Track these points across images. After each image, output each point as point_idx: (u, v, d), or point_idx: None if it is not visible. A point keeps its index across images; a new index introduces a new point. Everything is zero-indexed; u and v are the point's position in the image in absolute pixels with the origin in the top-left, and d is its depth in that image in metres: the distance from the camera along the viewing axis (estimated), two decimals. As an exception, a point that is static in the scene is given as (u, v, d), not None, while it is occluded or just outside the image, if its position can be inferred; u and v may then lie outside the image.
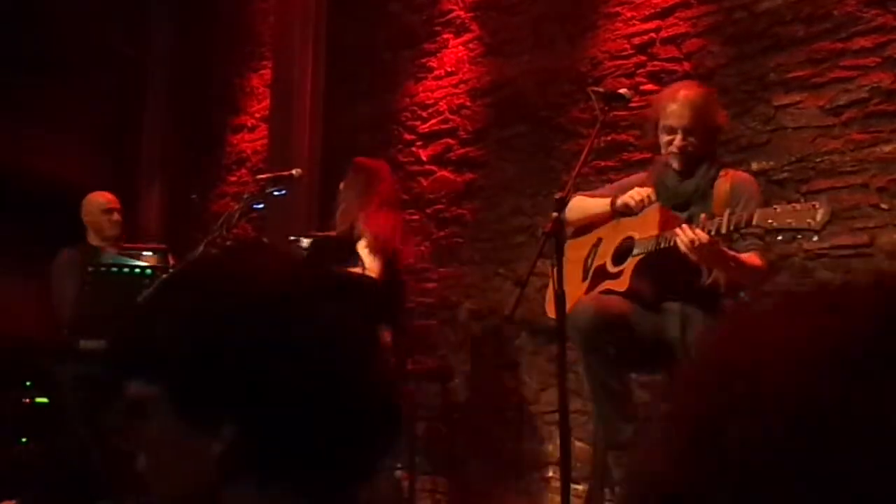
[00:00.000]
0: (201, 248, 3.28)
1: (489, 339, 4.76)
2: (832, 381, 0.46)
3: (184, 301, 0.96)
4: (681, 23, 4.15)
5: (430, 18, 5.27)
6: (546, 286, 3.06)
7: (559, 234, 2.46)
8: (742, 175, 3.07)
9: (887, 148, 3.46)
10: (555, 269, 2.52)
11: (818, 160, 3.57)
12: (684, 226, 2.65)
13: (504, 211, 4.79)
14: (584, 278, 3.08)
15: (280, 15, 5.79)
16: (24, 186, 5.74)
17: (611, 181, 4.35)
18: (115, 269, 3.69)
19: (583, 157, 2.66)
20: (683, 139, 2.92)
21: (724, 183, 2.96)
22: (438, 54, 5.20)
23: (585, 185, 4.36)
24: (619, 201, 3.01)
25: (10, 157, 5.79)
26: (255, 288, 0.94)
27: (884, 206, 3.44)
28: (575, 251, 3.13)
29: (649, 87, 4.24)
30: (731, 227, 2.57)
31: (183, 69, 6.82)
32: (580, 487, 3.71)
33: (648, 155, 4.23)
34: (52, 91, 6.22)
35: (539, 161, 4.64)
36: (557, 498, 3.25)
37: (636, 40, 4.31)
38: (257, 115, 6.24)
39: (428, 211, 5.16)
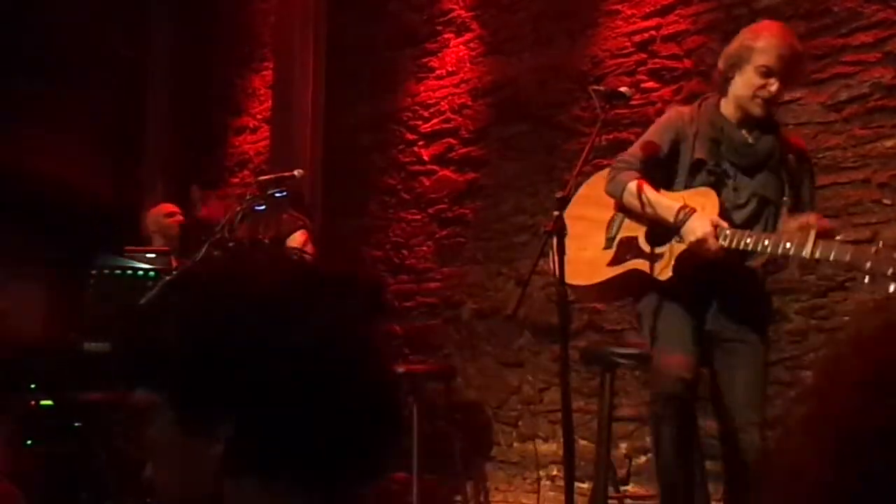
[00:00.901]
0: (204, 250, 3.28)
1: (492, 339, 4.76)
2: None
3: (182, 306, 0.96)
4: (681, 20, 4.15)
5: (431, 18, 5.27)
6: (547, 284, 3.05)
7: (560, 233, 2.45)
8: (801, 145, 2.89)
9: (889, 143, 3.46)
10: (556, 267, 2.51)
11: (820, 156, 3.57)
12: (719, 242, 2.60)
13: (506, 210, 4.79)
14: (608, 246, 2.87)
15: (280, 15, 5.79)
16: (24, 188, 5.75)
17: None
18: (118, 271, 3.70)
19: (584, 155, 2.66)
20: (780, 85, 2.67)
21: (789, 151, 2.79)
22: (439, 54, 5.21)
23: (587, 184, 4.37)
24: (687, 237, 2.67)
25: (10, 159, 5.80)
26: (254, 290, 0.94)
27: (886, 201, 3.44)
28: (595, 209, 2.91)
29: (650, 84, 4.24)
30: (742, 247, 2.56)
31: (184, 70, 6.82)
32: (584, 486, 3.71)
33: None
34: (52, 92, 6.23)
35: (541, 160, 4.64)
36: (562, 497, 3.25)
37: (637, 38, 4.31)
38: (259, 117, 6.25)
39: (430, 211, 5.16)
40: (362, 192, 5.47)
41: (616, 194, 2.84)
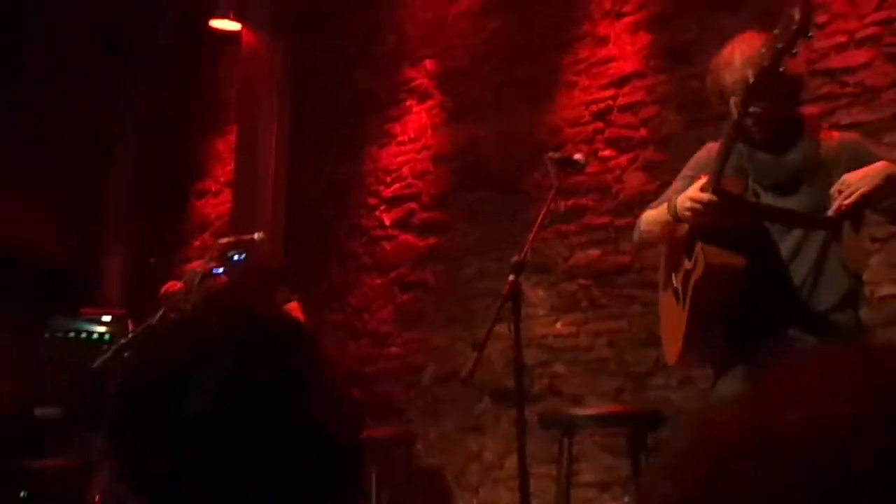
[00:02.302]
0: (160, 314, 3.26)
1: (453, 404, 4.74)
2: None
3: (128, 371, 0.96)
4: (636, 91, 4.26)
5: (394, 85, 5.36)
6: (507, 348, 3.04)
7: (516, 298, 2.47)
8: (850, 139, 2.57)
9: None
10: (513, 331, 2.53)
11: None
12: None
13: (467, 275, 4.81)
14: (678, 300, 2.57)
15: (246, 80, 5.86)
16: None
17: (571, 246, 4.43)
18: (72, 334, 3.65)
19: (538, 221, 2.70)
20: (765, 105, 2.40)
21: (832, 147, 2.46)
22: (402, 120, 5.28)
23: (546, 249, 4.42)
24: (677, 208, 2.47)
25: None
26: (202, 356, 0.94)
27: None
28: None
29: (608, 152, 4.33)
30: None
31: (148, 131, 6.84)
32: (544, 554, 3.66)
33: (608, 220, 4.31)
34: (14, 153, 6.19)
35: (502, 225, 4.69)
36: (520, 565, 3.20)
37: (594, 107, 4.41)
38: (222, 180, 6.26)
39: (391, 275, 5.17)
40: (324, 255, 5.48)
41: (635, 239, 2.75)
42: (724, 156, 2.40)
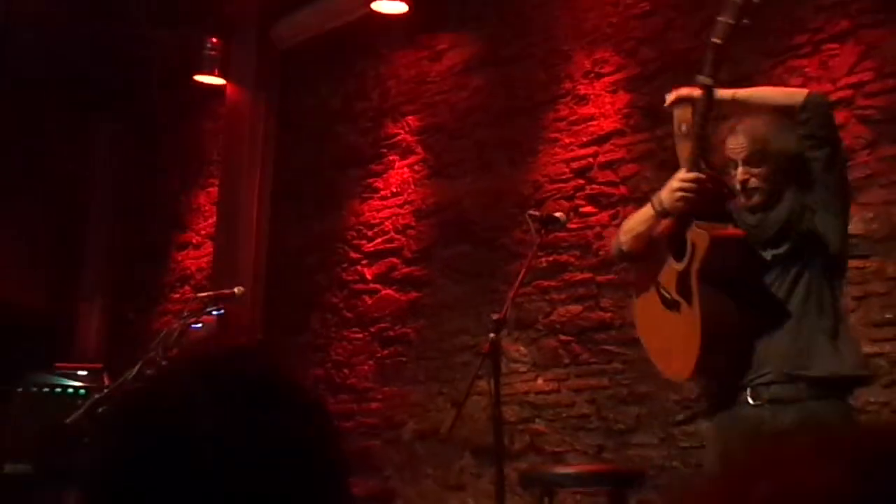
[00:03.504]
0: (136, 368, 3.22)
1: (433, 460, 4.68)
2: None
3: (101, 428, 0.95)
4: (617, 149, 4.32)
5: (377, 140, 5.40)
6: (488, 405, 3.01)
7: (496, 355, 2.46)
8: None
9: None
10: (493, 388, 2.51)
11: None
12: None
13: (448, 330, 4.80)
14: (670, 307, 2.53)
15: (229, 134, 5.89)
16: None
17: (552, 301, 4.43)
18: (46, 389, 3.59)
19: (520, 278, 2.70)
20: (743, 171, 2.50)
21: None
22: (384, 175, 5.31)
23: (528, 305, 4.42)
24: (663, 201, 2.51)
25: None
26: (176, 415, 0.92)
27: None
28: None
29: (588, 209, 4.37)
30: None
31: (127, 184, 6.84)
32: None
33: (589, 276, 4.33)
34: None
35: (483, 281, 4.70)
36: None
37: (575, 165, 4.46)
38: (203, 233, 6.25)
39: (372, 329, 5.15)
40: (305, 309, 5.46)
41: (615, 250, 2.72)
42: (697, 138, 2.49)
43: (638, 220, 2.63)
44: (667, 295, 2.47)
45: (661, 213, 2.51)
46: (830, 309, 2.44)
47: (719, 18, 2.41)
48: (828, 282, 2.46)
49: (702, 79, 2.46)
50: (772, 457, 0.47)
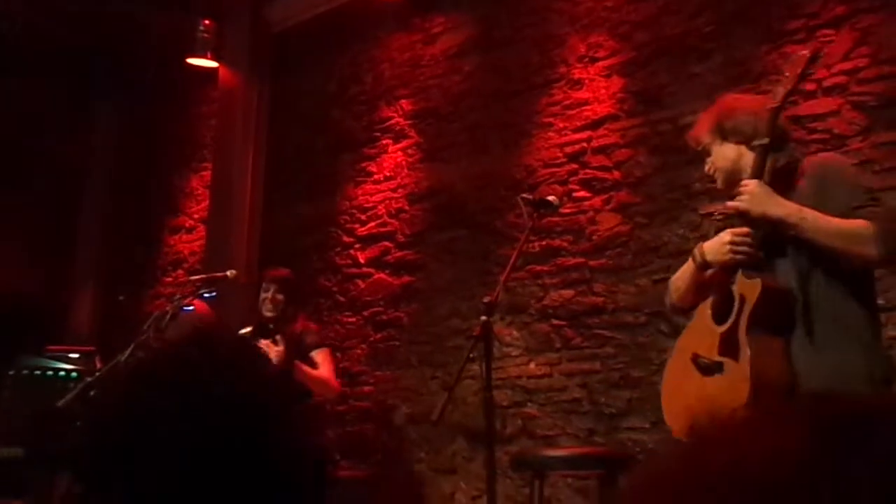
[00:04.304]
0: (129, 350, 3.22)
1: (425, 444, 4.70)
2: None
3: (93, 410, 0.95)
4: (610, 133, 4.31)
5: (370, 124, 5.38)
6: (481, 389, 3.01)
7: (488, 338, 2.46)
8: (814, 163, 2.47)
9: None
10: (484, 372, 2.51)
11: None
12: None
13: (441, 314, 4.80)
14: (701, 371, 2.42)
15: (222, 118, 5.86)
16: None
17: (545, 286, 4.44)
18: (37, 372, 3.59)
19: (511, 261, 2.70)
20: (711, 163, 2.55)
21: (803, 193, 2.40)
22: (377, 159, 5.30)
23: (520, 289, 4.43)
24: (698, 253, 2.47)
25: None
26: (170, 397, 0.92)
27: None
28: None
29: (582, 193, 4.36)
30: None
31: (121, 168, 6.81)
32: None
33: (582, 260, 4.34)
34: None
35: (476, 265, 4.70)
36: None
37: (569, 149, 4.45)
38: (196, 217, 6.23)
39: (365, 313, 5.15)
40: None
41: (668, 304, 2.65)
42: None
43: (681, 277, 2.56)
44: (706, 361, 2.37)
45: (703, 266, 2.45)
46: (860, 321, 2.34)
47: (779, 87, 2.35)
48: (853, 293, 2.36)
49: (757, 142, 2.38)
50: (731, 426, 0.48)
